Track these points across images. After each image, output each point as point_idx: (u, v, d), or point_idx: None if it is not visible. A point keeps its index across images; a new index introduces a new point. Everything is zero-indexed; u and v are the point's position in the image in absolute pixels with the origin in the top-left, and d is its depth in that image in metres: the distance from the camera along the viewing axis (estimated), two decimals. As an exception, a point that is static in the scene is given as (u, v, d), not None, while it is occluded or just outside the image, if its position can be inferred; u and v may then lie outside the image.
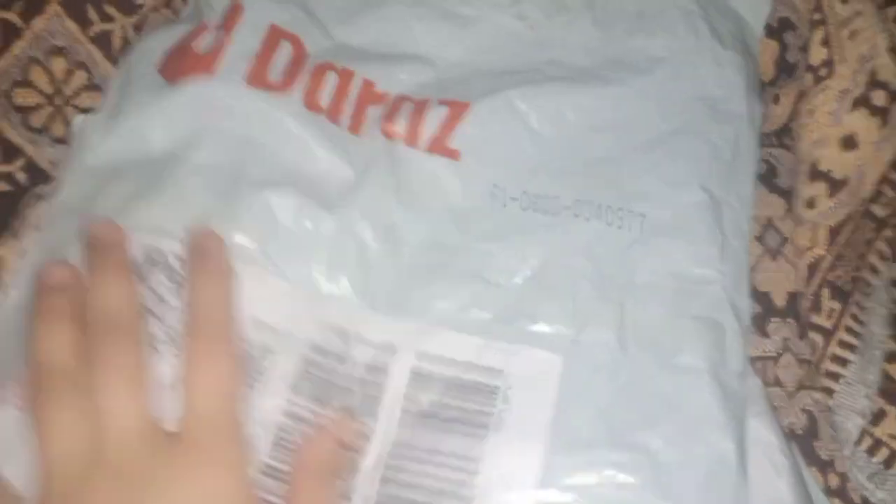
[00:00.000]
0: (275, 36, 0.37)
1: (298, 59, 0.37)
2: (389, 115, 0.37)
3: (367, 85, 0.38)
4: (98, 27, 0.41)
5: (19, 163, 0.39)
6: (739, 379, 0.34)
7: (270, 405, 0.31)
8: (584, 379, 0.32)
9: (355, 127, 0.37)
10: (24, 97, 0.40)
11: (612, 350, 0.33)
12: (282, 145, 0.35)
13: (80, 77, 0.41)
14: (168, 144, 0.35)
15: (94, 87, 0.41)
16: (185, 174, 0.34)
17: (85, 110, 0.40)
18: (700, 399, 0.32)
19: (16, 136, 0.39)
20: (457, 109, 0.37)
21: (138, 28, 0.41)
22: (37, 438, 0.29)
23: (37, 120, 0.40)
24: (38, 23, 0.40)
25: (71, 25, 0.40)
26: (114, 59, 0.41)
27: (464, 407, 0.32)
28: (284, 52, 0.37)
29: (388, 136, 0.36)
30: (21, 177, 0.39)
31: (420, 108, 0.37)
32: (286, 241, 0.34)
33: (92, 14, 0.41)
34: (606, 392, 0.32)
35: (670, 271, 0.34)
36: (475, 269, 0.34)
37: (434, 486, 0.31)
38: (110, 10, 0.41)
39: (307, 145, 0.35)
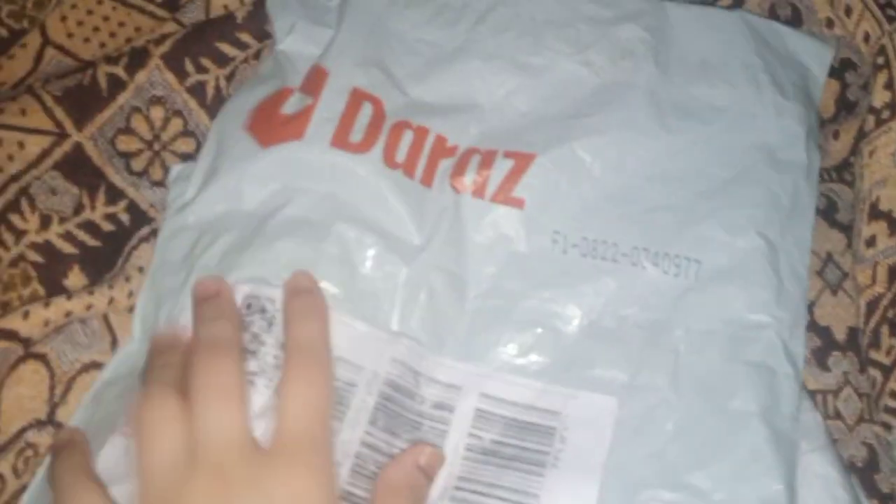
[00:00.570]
0: (357, 99, 0.39)
1: (378, 118, 0.39)
2: (459, 169, 0.39)
3: (440, 140, 0.40)
4: (194, 78, 0.44)
5: (122, 204, 0.42)
6: (791, 422, 0.35)
7: (351, 436, 0.33)
8: (638, 421, 0.34)
9: (427, 180, 0.39)
10: (126, 143, 0.43)
11: (666, 394, 0.34)
12: (363, 200, 0.38)
13: (176, 124, 0.43)
14: (261, 201, 0.38)
15: (188, 132, 0.43)
16: (275, 227, 0.37)
17: (181, 155, 0.43)
18: (751, 442, 0.33)
19: (119, 180, 0.42)
20: (522, 161, 0.38)
21: (229, 78, 0.44)
22: (136, 446, 0.30)
23: (138, 164, 0.42)
24: (141, 76, 0.43)
25: (169, 77, 0.44)
26: (207, 108, 0.44)
27: (523, 445, 0.34)
28: (365, 113, 0.39)
29: (457, 190, 0.38)
30: (124, 217, 0.41)
31: (488, 160, 0.39)
32: (365, 287, 0.36)
33: (189, 66, 0.44)
34: (659, 434, 0.34)
35: (725, 317, 0.36)
36: (536, 316, 0.36)
37: None
38: (205, 62, 0.44)
39: (385, 199, 0.38)
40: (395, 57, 0.41)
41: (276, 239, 0.36)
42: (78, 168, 0.42)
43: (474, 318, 0.37)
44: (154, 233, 0.41)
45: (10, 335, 0.37)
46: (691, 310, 0.36)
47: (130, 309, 0.39)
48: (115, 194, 0.42)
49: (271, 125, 0.39)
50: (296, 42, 0.41)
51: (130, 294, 0.39)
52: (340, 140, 0.38)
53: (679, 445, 0.33)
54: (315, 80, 0.40)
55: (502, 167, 0.38)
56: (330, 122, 0.39)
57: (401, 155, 0.39)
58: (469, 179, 0.38)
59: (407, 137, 0.39)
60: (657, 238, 0.37)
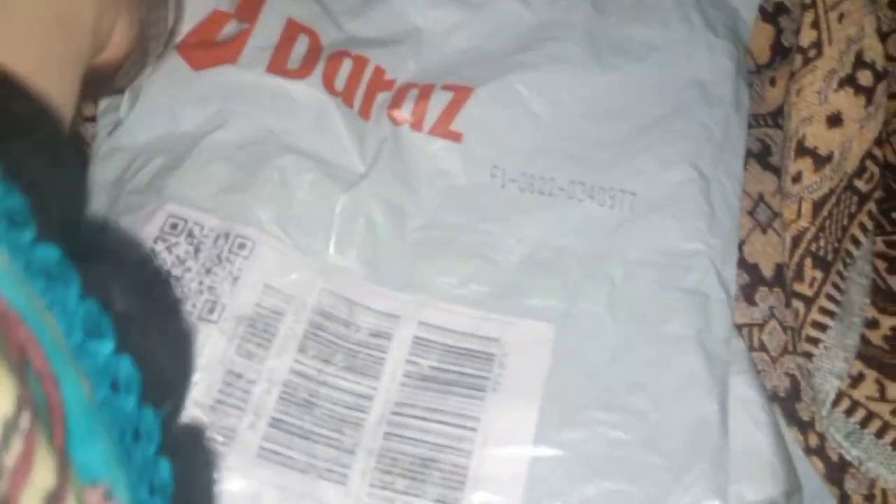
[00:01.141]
0: (292, 30, 0.39)
1: (314, 49, 0.39)
2: (397, 101, 0.39)
3: (378, 72, 0.40)
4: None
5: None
6: (724, 345, 0.36)
7: (278, 363, 0.33)
8: (576, 347, 0.34)
9: (366, 112, 0.39)
10: None
11: (604, 321, 0.35)
12: (301, 126, 0.37)
13: None
14: (196, 124, 0.37)
15: None
16: (209, 150, 0.36)
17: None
18: (686, 364, 0.34)
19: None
20: (460, 94, 0.39)
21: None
22: None
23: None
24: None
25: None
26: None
27: (462, 371, 0.34)
28: (301, 44, 0.39)
29: (394, 121, 0.38)
30: None
31: (425, 93, 0.39)
32: (300, 213, 0.36)
33: None
34: (597, 359, 0.34)
35: (659, 247, 0.36)
36: (475, 247, 0.37)
37: (435, 441, 0.33)
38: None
39: (325, 126, 0.38)
40: None
41: (209, 162, 0.36)
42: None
43: (414, 249, 0.37)
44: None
45: None
46: (627, 240, 0.37)
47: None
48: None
49: (205, 48, 0.39)
50: None
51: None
52: (277, 66, 0.38)
53: (617, 369, 0.34)
54: (250, 6, 0.40)
55: (440, 100, 0.38)
56: (265, 50, 0.39)
57: (340, 83, 0.39)
58: (407, 112, 0.38)
59: (346, 66, 0.39)
60: (593, 172, 0.38)
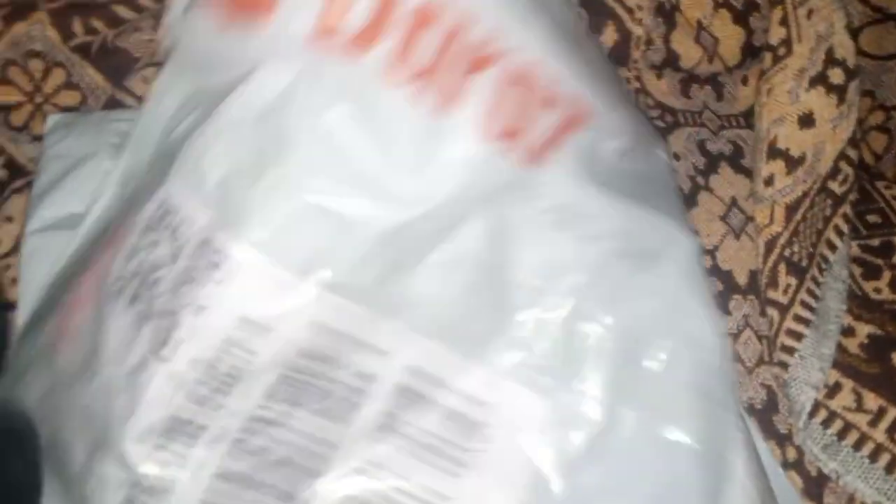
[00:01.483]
0: None
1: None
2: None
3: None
4: (80, 39, 0.42)
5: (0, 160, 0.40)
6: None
7: (239, 408, 0.28)
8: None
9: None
10: (4, 95, 0.40)
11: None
12: None
13: (58, 75, 0.41)
14: (226, 80, 0.30)
15: (72, 84, 0.41)
16: (230, 116, 0.29)
17: (64, 109, 0.41)
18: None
19: (-1, 137, 0.40)
20: None
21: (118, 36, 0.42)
22: None
23: (17, 118, 0.40)
24: (20, 27, 0.41)
25: (52, 34, 0.41)
26: (91, 60, 0.41)
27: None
28: None
29: None
30: (1, 173, 0.40)
31: None
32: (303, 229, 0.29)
33: (77, 27, 0.42)
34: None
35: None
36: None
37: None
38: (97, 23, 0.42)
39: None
40: None
41: (225, 132, 0.29)
42: (-47, 118, 0.40)
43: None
44: (29, 185, 0.39)
45: None
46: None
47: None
48: (-8, 151, 0.40)
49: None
50: None
51: None
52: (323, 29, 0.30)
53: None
54: None
55: None
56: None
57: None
58: None
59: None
60: None
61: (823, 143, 0.40)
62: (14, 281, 0.37)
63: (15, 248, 0.38)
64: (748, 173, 0.42)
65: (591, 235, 0.31)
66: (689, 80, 0.44)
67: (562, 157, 0.32)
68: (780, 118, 0.41)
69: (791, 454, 0.38)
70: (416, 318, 0.30)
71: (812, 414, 0.38)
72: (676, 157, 0.42)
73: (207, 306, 0.28)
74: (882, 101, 0.46)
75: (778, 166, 0.40)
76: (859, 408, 0.38)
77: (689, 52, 0.44)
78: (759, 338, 0.40)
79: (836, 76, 0.41)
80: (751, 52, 0.44)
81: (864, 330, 0.39)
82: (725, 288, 0.40)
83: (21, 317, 0.35)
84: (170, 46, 0.34)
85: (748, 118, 0.44)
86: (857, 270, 0.41)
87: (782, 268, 0.40)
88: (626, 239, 0.31)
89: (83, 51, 0.41)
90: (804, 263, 0.40)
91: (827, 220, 0.40)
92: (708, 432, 0.30)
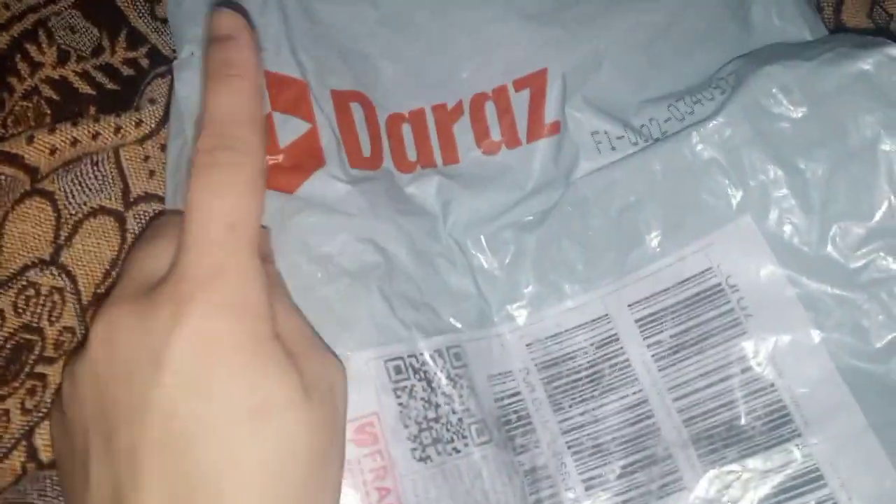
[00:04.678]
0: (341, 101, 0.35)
1: (373, 122, 0.36)
2: (479, 130, 0.36)
3: (440, 109, 0.36)
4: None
5: (143, 49, 0.38)
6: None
7: (544, 435, 0.33)
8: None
9: (451, 156, 0.36)
10: None
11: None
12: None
13: None
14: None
15: None
16: None
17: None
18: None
19: (142, 25, 0.38)
20: (539, 83, 0.36)
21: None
22: None
23: (162, 10, 0.38)
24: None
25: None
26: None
27: (702, 319, 0.32)
28: (358, 117, 0.35)
29: (488, 152, 0.36)
30: (144, 63, 0.38)
31: (502, 102, 0.36)
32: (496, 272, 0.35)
33: None
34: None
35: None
36: (625, 211, 0.34)
37: (731, 398, 0.31)
38: None
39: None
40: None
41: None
42: (99, 9, 0.39)
43: (587, 246, 0.35)
44: (171, 70, 0.37)
45: (14, 160, 0.34)
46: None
47: (140, 140, 0.36)
48: (136, 39, 0.39)
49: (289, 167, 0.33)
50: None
51: (139, 123, 0.36)
52: (355, 158, 0.35)
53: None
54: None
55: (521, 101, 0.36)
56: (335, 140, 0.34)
57: (412, 153, 0.36)
58: (496, 133, 0.36)
59: (408, 133, 0.36)
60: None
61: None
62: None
63: (157, 128, 0.36)
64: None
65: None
66: None
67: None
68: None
69: None
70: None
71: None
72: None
73: (473, 383, 0.33)
74: None
75: None
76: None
77: None
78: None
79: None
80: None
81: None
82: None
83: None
84: None
85: None
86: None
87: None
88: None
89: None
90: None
91: None
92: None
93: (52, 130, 0.34)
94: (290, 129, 0.33)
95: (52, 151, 0.34)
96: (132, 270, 0.26)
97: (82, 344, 0.26)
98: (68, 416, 0.25)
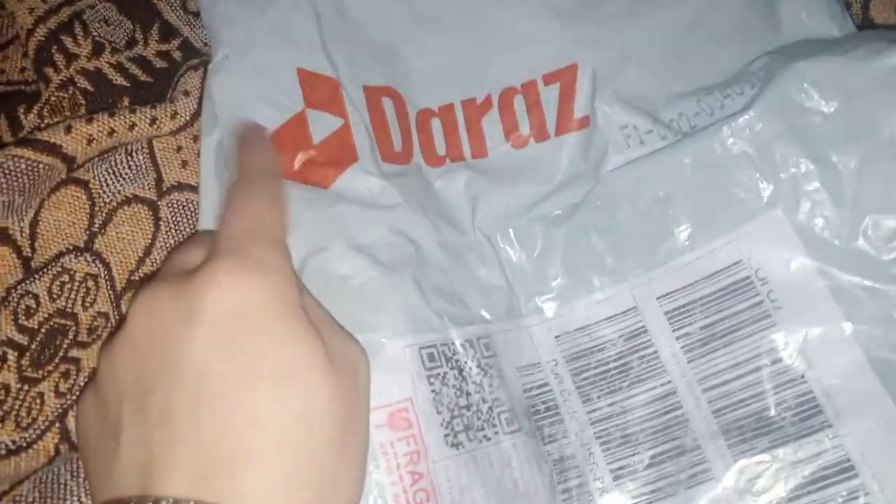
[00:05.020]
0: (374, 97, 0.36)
1: (402, 116, 0.36)
2: (508, 120, 0.36)
3: (468, 103, 0.37)
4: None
5: (176, 42, 0.38)
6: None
7: (573, 425, 0.34)
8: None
9: (480, 150, 0.36)
10: None
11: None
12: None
13: None
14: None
15: None
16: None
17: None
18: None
19: (174, 18, 0.39)
20: (569, 78, 0.36)
21: None
22: None
23: (194, 4, 0.39)
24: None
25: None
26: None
27: (732, 311, 0.32)
28: (389, 111, 0.36)
29: (516, 145, 0.36)
30: (177, 55, 0.38)
31: (532, 96, 0.36)
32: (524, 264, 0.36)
33: None
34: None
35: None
36: (656, 203, 0.35)
37: (761, 389, 0.31)
38: None
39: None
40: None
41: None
42: (133, 2, 0.39)
43: (618, 239, 0.35)
44: (203, 63, 0.38)
45: (53, 149, 0.34)
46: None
47: (174, 132, 0.36)
48: (168, 32, 0.39)
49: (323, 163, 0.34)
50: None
51: (174, 115, 0.36)
52: (386, 153, 0.35)
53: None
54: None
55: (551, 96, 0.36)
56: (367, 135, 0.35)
57: (441, 147, 0.36)
58: (525, 127, 0.36)
59: (437, 129, 0.36)
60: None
61: None
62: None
63: (191, 120, 0.37)
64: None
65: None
66: None
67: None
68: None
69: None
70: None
71: None
72: None
73: (503, 372, 0.34)
74: None
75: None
76: None
77: None
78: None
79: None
80: None
81: None
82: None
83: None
84: None
85: None
86: None
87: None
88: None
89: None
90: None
91: None
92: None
93: (89, 120, 0.34)
94: (323, 125, 0.34)
95: (90, 141, 0.34)
96: (169, 265, 0.27)
97: (118, 328, 0.26)
98: (102, 391, 0.25)
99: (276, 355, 0.23)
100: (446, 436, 0.29)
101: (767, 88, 0.32)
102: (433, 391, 0.29)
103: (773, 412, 0.30)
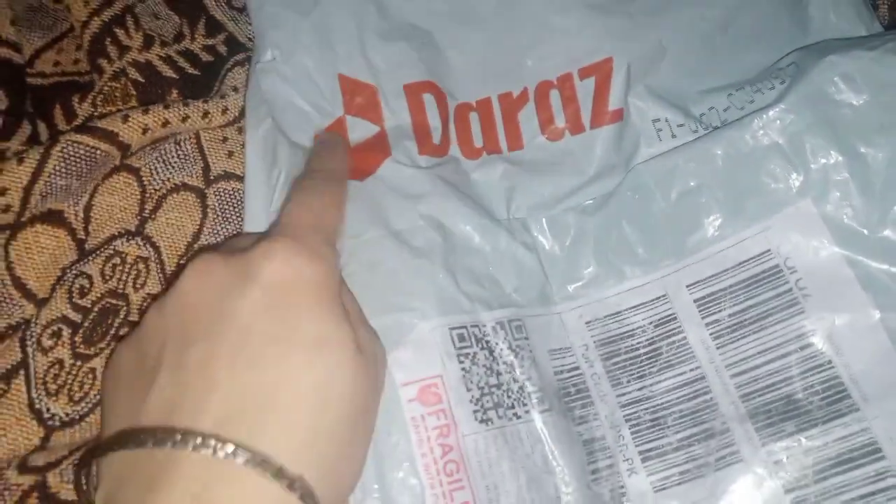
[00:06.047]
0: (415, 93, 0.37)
1: (443, 110, 0.37)
2: (544, 113, 0.37)
3: (505, 97, 0.37)
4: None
5: (221, 37, 0.39)
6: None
7: (603, 408, 0.34)
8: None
9: (516, 143, 0.37)
10: None
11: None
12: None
13: None
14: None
15: None
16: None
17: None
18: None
19: (220, 14, 0.39)
20: (604, 71, 0.37)
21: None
22: None
23: (238, 0, 0.40)
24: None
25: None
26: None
27: (761, 299, 0.33)
28: (431, 107, 0.37)
29: (552, 138, 0.37)
30: (222, 49, 0.39)
31: (568, 90, 0.37)
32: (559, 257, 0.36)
33: None
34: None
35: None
36: (687, 194, 0.35)
37: (788, 374, 0.31)
38: None
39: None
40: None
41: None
42: (179, -2, 0.40)
43: (655, 227, 0.36)
44: (248, 59, 0.39)
45: (111, 136, 0.35)
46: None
47: (225, 125, 0.37)
48: (214, 27, 0.40)
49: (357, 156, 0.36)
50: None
51: (225, 110, 0.37)
52: (425, 146, 0.36)
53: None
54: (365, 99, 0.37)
55: (587, 90, 0.37)
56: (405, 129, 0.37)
57: (478, 140, 0.37)
58: (560, 121, 0.37)
59: (475, 124, 0.37)
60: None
61: None
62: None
63: (240, 115, 0.38)
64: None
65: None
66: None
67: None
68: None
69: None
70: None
71: None
72: None
73: (534, 354, 0.35)
74: None
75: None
76: None
77: None
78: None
79: None
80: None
81: None
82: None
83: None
84: None
85: None
86: None
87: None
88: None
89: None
90: None
91: None
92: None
93: (145, 111, 0.35)
94: (361, 130, 0.36)
95: (145, 131, 0.35)
96: (221, 245, 0.29)
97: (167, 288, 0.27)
98: (145, 336, 0.26)
99: (314, 330, 0.25)
100: (475, 412, 0.30)
101: (798, 82, 0.33)
102: (463, 369, 0.30)
103: (800, 396, 0.31)
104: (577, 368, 0.33)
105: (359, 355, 0.25)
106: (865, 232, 0.31)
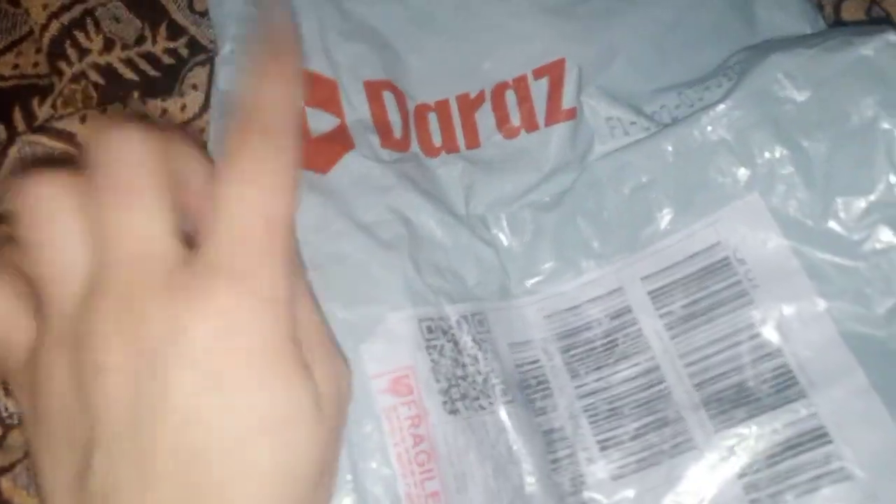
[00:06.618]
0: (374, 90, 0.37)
1: (402, 107, 0.38)
2: (500, 113, 0.37)
3: (462, 98, 0.38)
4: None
5: (183, 40, 0.39)
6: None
7: (563, 401, 0.35)
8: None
9: (473, 141, 0.38)
10: None
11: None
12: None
13: None
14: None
15: None
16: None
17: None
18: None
19: (181, 17, 0.40)
20: (557, 72, 0.37)
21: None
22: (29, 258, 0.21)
23: (200, 4, 0.40)
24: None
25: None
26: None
27: (712, 290, 0.33)
28: (390, 103, 0.37)
29: (509, 135, 0.37)
30: (184, 52, 0.39)
31: (522, 91, 0.37)
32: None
33: None
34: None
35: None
36: (637, 191, 0.36)
37: (739, 362, 0.32)
38: None
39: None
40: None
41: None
42: (141, 2, 0.40)
43: (604, 224, 0.36)
44: (210, 60, 0.39)
45: (68, 136, 0.35)
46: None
47: (184, 122, 0.37)
48: (176, 30, 0.40)
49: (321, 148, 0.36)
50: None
51: (183, 108, 0.37)
52: (387, 139, 0.37)
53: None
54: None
55: (540, 90, 0.37)
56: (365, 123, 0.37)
57: (437, 138, 0.37)
58: (516, 119, 0.37)
59: (433, 123, 0.38)
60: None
61: None
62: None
63: (200, 112, 0.38)
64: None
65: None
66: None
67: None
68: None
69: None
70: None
71: None
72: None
73: (496, 346, 0.35)
74: None
75: None
76: None
77: None
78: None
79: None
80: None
81: None
82: None
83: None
84: None
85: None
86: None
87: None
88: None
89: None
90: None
91: None
92: None
93: (103, 112, 0.35)
94: (321, 122, 0.36)
95: (102, 131, 0.35)
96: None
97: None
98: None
99: (269, 405, 0.21)
100: (444, 403, 0.30)
101: (744, 79, 0.33)
102: (432, 360, 0.31)
103: (751, 384, 0.31)
104: (537, 361, 0.34)
105: (320, 418, 0.22)
106: (810, 223, 0.31)
